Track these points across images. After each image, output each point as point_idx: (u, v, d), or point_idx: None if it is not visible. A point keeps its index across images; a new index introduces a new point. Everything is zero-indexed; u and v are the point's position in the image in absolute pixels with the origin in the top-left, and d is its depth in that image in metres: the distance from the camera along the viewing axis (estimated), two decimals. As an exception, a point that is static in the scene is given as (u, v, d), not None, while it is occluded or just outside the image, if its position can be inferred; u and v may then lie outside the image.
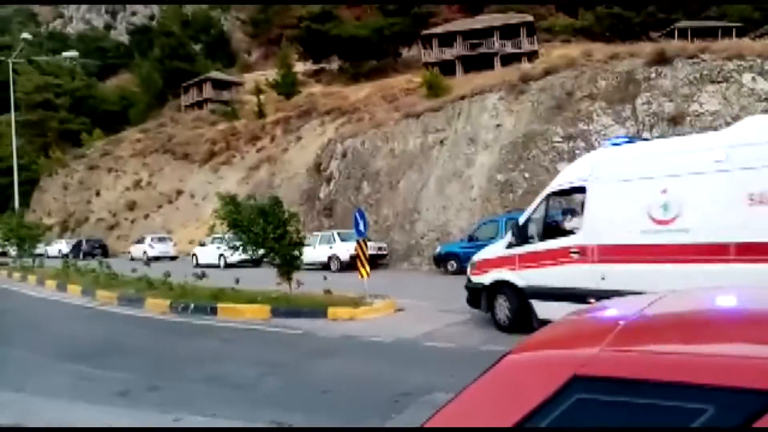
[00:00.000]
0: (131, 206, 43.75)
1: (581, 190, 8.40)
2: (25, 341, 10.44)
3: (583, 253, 8.05)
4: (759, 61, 18.66)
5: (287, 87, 44.57)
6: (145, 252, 30.58)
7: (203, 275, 14.58)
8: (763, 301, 1.86)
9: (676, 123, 18.48)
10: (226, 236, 13.45)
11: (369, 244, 14.72)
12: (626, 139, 9.08)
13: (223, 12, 74.99)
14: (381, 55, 47.93)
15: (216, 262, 25.15)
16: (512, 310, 9.10)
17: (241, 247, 12.69)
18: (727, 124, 17.95)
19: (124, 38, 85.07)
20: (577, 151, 19.31)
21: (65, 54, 42.39)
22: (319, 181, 28.81)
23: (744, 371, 1.14)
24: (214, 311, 12.17)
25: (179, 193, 41.44)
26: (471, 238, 18.17)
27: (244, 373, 7.45)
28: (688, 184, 7.07)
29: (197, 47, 64.95)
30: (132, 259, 29.97)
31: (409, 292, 13.25)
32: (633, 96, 19.45)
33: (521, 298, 8.92)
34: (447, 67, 39.95)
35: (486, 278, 9.61)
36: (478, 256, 10.18)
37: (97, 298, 15.63)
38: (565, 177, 8.92)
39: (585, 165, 8.66)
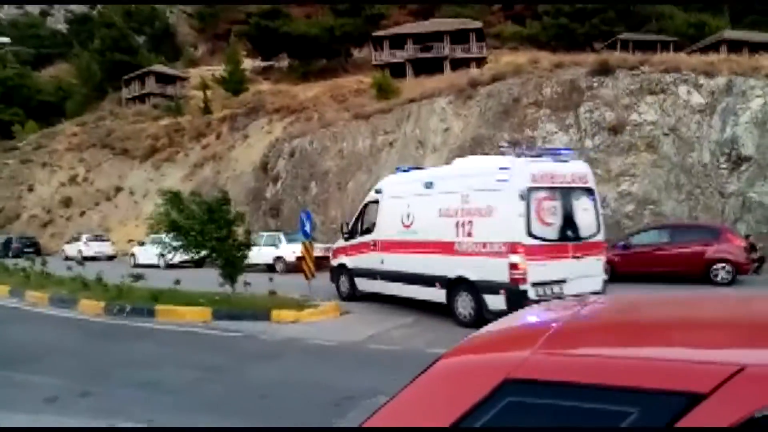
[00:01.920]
0: (67, 203, 41.83)
1: (377, 202, 12.21)
2: (-57, 345, 9.76)
3: (374, 246, 12.01)
4: (694, 75, 19.57)
5: (235, 84, 43.70)
6: (80, 251, 29.28)
7: (140, 276, 14.04)
8: (689, 307, 1.94)
9: (616, 132, 19.16)
10: (166, 237, 12.97)
11: (315, 245, 14.54)
12: (405, 168, 13.06)
13: (168, 5, 72.95)
14: (331, 55, 47.71)
15: (156, 262, 24.30)
16: (348, 285, 12.89)
17: (181, 249, 12.29)
18: (665, 134, 18.76)
19: (62, 27, 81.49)
20: (522, 157, 19.76)
21: (-4, 40, 40.16)
22: (265, 181, 28.37)
23: (667, 373, 1.18)
24: (152, 313, 11.72)
25: (118, 190, 39.95)
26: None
27: (182, 377, 7.19)
28: (416, 202, 10.95)
29: (140, 39, 62.88)
30: (66, 258, 28.62)
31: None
32: (576, 104, 20.05)
33: (351, 276, 12.80)
34: (397, 70, 40.14)
35: (335, 262, 13.45)
36: (334, 246, 13.90)
37: (27, 298, 14.82)
38: (371, 194, 12.89)
39: (380, 185, 12.60)
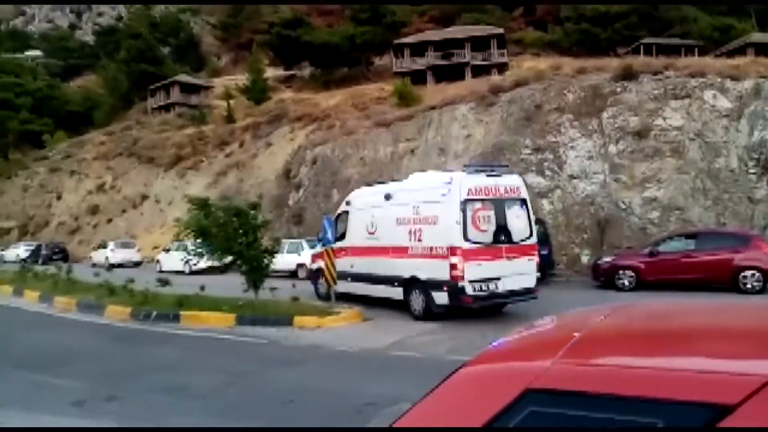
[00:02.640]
0: (94, 210, 42.62)
1: (347, 212, 13.77)
2: (-24, 349, 10.01)
3: (345, 251, 13.22)
4: (719, 79, 19.26)
5: (257, 92, 44.16)
6: (107, 258, 29.78)
7: (166, 282, 14.24)
8: (715, 316, 1.90)
9: (641, 137, 18.92)
10: (192, 243, 13.16)
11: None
12: (370, 184, 14.95)
13: (192, 15, 74.15)
14: (353, 63, 47.95)
15: (181, 268, 24.59)
16: (326, 287, 13.32)
17: (207, 254, 12.47)
18: (691, 139, 18.48)
19: (90, 39, 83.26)
20: (545, 163, 19.60)
21: (28, 53, 41.33)
22: (288, 188, 28.59)
23: (693, 384, 1.15)
24: (177, 318, 11.87)
25: (144, 197, 40.57)
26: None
27: (206, 382, 7.27)
28: (378, 212, 12.38)
29: (165, 50, 63.99)
30: (93, 265, 29.13)
31: (376, 301, 13.15)
32: (599, 110, 19.86)
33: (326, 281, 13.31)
34: (418, 77, 40.18)
35: (314, 266, 14.49)
36: (313, 252, 15.29)
37: (56, 304, 15.13)
38: (342, 205, 14.45)
39: (349, 198, 14.26)
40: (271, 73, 50.05)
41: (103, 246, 32.49)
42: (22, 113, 55.39)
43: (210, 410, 6.10)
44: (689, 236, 15.10)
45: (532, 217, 11.66)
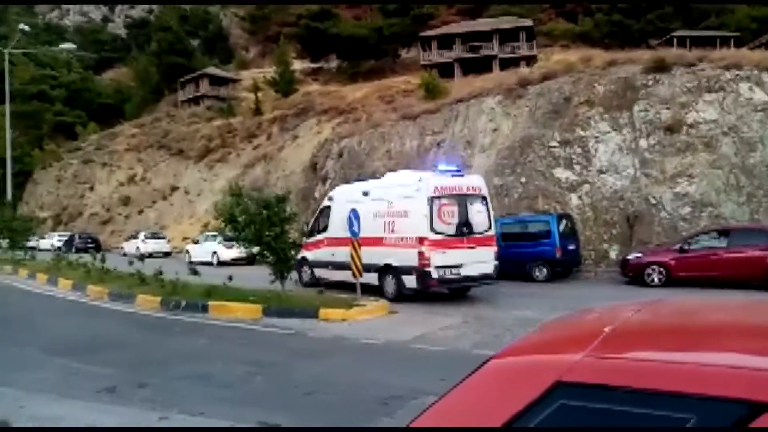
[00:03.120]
0: (125, 201, 43.50)
1: (329, 207, 15.29)
2: (14, 335, 10.34)
3: (327, 242, 14.91)
4: (756, 71, 18.73)
5: (284, 85, 44.41)
6: (138, 248, 30.40)
7: (195, 272, 14.51)
8: (747, 313, 1.87)
9: (673, 131, 18.53)
10: (224, 232, 13.51)
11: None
12: (349, 181, 18.24)
13: (221, 8, 74.77)
14: (379, 56, 47.86)
15: (209, 259, 25.03)
16: (309, 274, 15.66)
17: (237, 242, 12.73)
18: (724, 133, 18.05)
19: (122, 31, 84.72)
20: (573, 157, 19.35)
21: (62, 46, 42.19)
22: (314, 181, 28.75)
23: (728, 380, 1.14)
24: (205, 309, 12.08)
25: (174, 189, 41.24)
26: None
27: (233, 372, 7.40)
28: (357, 207, 12.93)
29: (195, 42, 64.73)
30: (125, 254, 29.75)
31: (402, 295, 13.19)
32: (630, 103, 19.49)
33: (311, 266, 15.62)
34: (445, 70, 39.94)
35: (300, 255, 14.85)
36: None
37: (89, 292, 15.52)
38: (325, 200, 16.13)
39: (331, 194, 15.91)
40: (298, 65, 50.27)
41: (135, 236, 33.16)
42: (56, 105, 56.74)
43: (237, 399, 6.21)
44: (721, 232, 14.78)
45: (491, 212, 13.30)
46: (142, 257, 18.79)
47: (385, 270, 13.05)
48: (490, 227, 12.89)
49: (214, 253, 24.63)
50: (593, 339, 1.41)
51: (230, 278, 13.53)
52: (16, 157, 39.14)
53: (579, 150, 19.39)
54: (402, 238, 12.68)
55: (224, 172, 38.58)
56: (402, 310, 11.70)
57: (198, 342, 9.55)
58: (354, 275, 12.36)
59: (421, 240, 12.14)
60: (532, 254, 16.28)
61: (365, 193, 14.05)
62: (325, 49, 49.46)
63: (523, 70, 29.47)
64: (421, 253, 12.06)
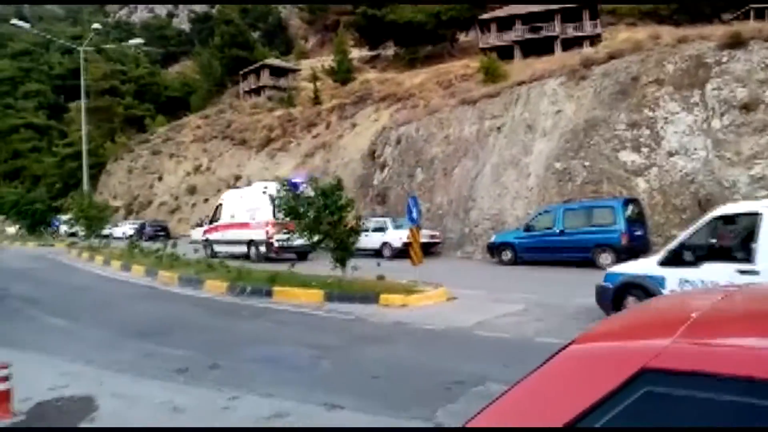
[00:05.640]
0: (191, 190, 45.14)
1: (221, 204, 23.63)
2: (93, 318, 10.96)
3: (220, 228, 22.75)
4: None
5: (343, 74, 44.74)
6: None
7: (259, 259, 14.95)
8: None
9: (749, 109, 17.50)
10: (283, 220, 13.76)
11: (422, 231, 14.65)
12: (238, 186, 28.32)
13: (280, -1, 75.80)
14: (437, 41, 47.39)
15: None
16: (210, 249, 22.67)
17: (298, 233, 12.93)
18: (807, 110, 16.89)
19: (186, 26, 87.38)
20: (641, 139, 18.63)
21: (131, 42, 43.82)
22: (373, 168, 28.89)
23: None
24: (269, 294, 12.43)
25: (237, 178, 42.44)
26: (527, 228, 17.83)
27: (298, 355, 7.58)
28: (236, 204, 22.06)
29: (255, 35, 66.01)
30: (192, 242, 30.93)
31: (461, 281, 13.14)
32: (703, 81, 18.52)
33: (212, 244, 22.99)
34: (505, 52, 39.14)
35: (204, 237, 23.60)
36: (204, 228, 24.88)
37: (159, 278, 16.24)
38: (219, 200, 24.70)
39: (223, 196, 24.41)
40: (356, 53, 50.50)
41: (201, 224, 34.35)
42: (126, 99, 59.31)
43: (304, 381, 6.36)
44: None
45: None
46: (207, 244, 19.98)
47: (249, 243, 20.99)
48: None
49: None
50: (680, 325, 1.37)
51: (293, 264, 13.84)
52: (90, 150, 41.20)
53: (647, 132, 18.62)
54: (258, 223, 20.46)
55: (285, 161, 39.37)
56: (461, 296, 11.64)
57: (264, 326, 9.84)
58: (413, 262, 12.37)
59: (267, 223, 19.82)
60: (597, 240, 15.84)
61: (241, 197, 22.50)
62: (383, 36, 49.41)
63: (587, 50, 28.53)
64: (267, 232, 19.95)
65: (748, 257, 7.00)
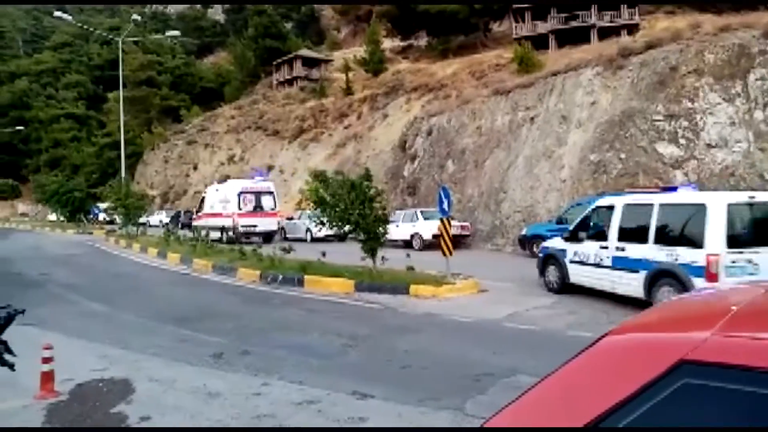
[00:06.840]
0: (225, 180, 45.71)
1: (205, 197, 28.97)
2: (131, 303, 11.26)
3: (203, 216, 27.72)
4: None
5: (374, 64, 44.61)
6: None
7: (290, 249, 15.11)
8: None
9: (794, 100, 16.90)
10: (313, 212, 13.84)
11: (452, 223, 14.59)
12: (221, 182, 29.98)
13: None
14: (470, 30, 46.82)
15: (303, 236, 25.93)
16: (195, 237, 21.72)
17: (327, 223, 13.02)
18: None
19: (221, 17, 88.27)
20: (679, 131, 18.18)
21: (168, 33, 44.63)
22: (403, 159, 28.85)
23: None
24: (300, 282, 12.58)
25: (270, 168, 42.86)
26: (560, 221, 17.58)
27: (329, 343, 7.67)
28: (215, 197, 27.44)
29: (288, 25, 66.32)
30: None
31: (492, 273, 13.08)
32: (745, 71, 17.94)
33: (198, 229, 22.94)
34: (539, 42, 38.48)
35: (195, 223, 26.99)
36: (194, 216, 29.86)
37: (194, 266, 16.58)
38: (203, 194, 30.34)
39: (206, 190, 29.87)
40: (388, 44, 50.27)
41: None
42: (162, 90, 60.34)
43: (332, 369, 6.45)
44: None
45: (277, 200, 26.45)
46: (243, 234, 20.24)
47: (223, 229, 25.12)
48: (275, 207, 25.99)
49: (308, 230, 25.45)
50: (720, 318, 1.34)
51: (323, 254, 13.96)
52: (128, 140, 42.15)
53: (685, 123, 18.15)
54: (228, 214, 25.19)
55: (317, 151, 39.58)
56: (492, 288, 11.60)
57: (296, 314, 9.97)
58: (444, 253, 12.32)
59: (235, 213, 24.81)
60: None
61: (217, 190, 27.21)
62: (415, 26, 49.02)
63: (625, 39, 27.89)
64: (235, 220, 24.67)
65: (606, 237, 9.90)
